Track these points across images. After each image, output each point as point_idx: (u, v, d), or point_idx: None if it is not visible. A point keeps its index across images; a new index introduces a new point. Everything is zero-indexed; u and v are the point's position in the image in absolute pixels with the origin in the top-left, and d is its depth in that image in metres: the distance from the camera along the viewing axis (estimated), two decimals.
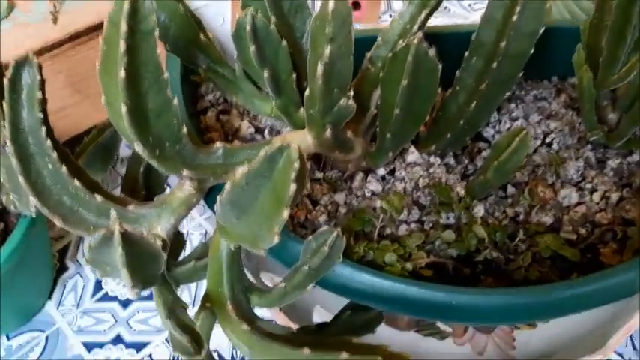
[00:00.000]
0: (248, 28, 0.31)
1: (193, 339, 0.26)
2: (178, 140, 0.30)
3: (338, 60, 0.29)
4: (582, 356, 0.41)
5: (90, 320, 0.54)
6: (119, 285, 0.57)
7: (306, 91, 0.31)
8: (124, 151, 0.68)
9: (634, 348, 0.50)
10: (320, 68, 0.29)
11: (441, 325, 0.46)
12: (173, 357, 0.52)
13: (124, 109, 0.27)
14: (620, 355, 0.49)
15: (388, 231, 0.36)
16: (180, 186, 0.33)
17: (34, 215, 0.41)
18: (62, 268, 0.58)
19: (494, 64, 0.35)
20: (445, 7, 0.86)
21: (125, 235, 0.22)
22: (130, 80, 0.26)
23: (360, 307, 0.36)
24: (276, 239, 0.25)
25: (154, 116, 0.28)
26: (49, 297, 0.56)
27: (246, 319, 0.31)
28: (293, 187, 0.23)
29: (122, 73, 0.26)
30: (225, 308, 0.31)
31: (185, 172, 0.31)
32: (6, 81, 0.30)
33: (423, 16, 0.34)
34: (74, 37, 0.55)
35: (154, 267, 0.27)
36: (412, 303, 0.30)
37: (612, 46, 0.35)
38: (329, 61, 0.29)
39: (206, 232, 0.61)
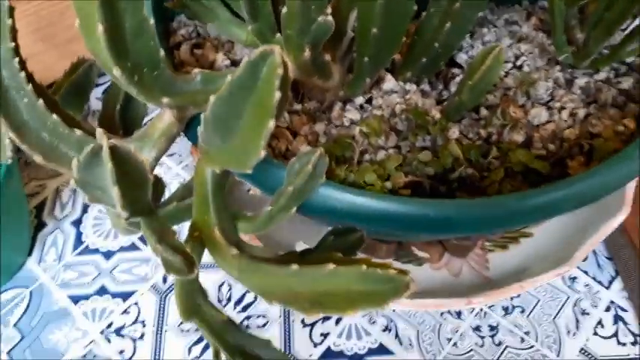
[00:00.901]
0: None
1: (185, 258, 0.27)
2: (156, 65, 0.30)
3: None
4: (551, 270, 0.43)
5: (73, 274, 0.54)
6: (100, 237, 0.57)
7: (283, 10, 0.31)
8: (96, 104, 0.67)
9: (598, 266, 0.53)
10: None
11: (418, 252, 0.48)
12: (160, 305, 0.52)
13: (100, 28, 0.26)
14: (585, 272, 0.52)
15: (367, 157, 0.37)
16: (159, 117, 0.33)
17: (9, 161, 0.40)
18: (40, 225, 0.57)
19: None
20: None
21: (114, 149, 0.22)
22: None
23: (342, 232, 0.37)
24: (262, 154, 0.25)
25: (131, 37, 0.28)
26: (29, 254, 0.55)
27: (234, 244, 0.32)
28: (278, 94, 0.23)
29: None
30: (214, 235, 0.32)
31: (165, 100, 0.31)
32: None
33: None
34: None
35: (142, 191, 0.27)
36: (393, 218, 0.31)
37: None
38: None
39: (184, 180, 0.60)
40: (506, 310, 0.50)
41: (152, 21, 0.28)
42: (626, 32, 0.38)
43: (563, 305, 0.50)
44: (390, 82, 0.40)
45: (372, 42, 0.34)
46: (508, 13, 0.45)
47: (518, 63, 0.42)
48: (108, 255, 0.55)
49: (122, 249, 0.56)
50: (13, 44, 0.30)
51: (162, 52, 0.29)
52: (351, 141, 0.35)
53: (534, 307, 0.50)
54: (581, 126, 0.38)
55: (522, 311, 0.50)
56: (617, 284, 0.51)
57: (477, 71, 0.36)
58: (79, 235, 0.57)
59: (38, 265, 0.55)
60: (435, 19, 0.39)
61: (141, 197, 0.27)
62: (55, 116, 0.32)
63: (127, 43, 0.28)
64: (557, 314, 0.49)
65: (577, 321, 0.49)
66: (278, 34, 0.35)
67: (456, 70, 0.43)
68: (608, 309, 0.50)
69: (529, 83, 0.40)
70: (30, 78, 0.31)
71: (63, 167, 0.33)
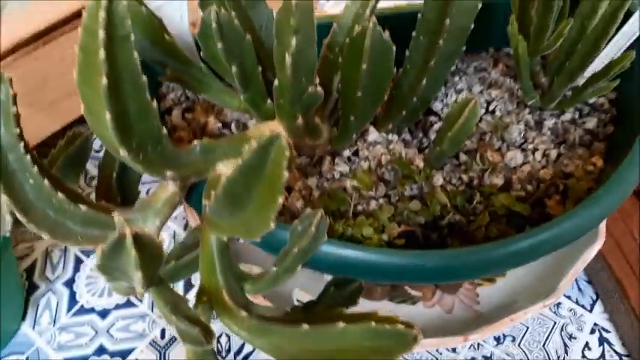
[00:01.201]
0: (214, 25, 0.32)
1: (203, 329, 0.28)
2: (159, 142, 0.31)
3: (304, 50, 0.31)
4: (538, 302, 0.45)
5: (69, 336, 0.54)
6: (94, 296, 0.57)
7: (275, 82, 0.33)
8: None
9: (579, 290, 0.55)
10: (288, 59, 0.31)
11: (411, 291, 0.50)
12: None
13: (108, 116, 0.27)
14: (569, 297, 0.55)
15: (360, 208, 0.39)
16: (162, 187, 0.34)
17: (8, 235, 0.41)
18: (31, 288, 0.57)
19: (441, 41, 0.38)
20: None
21: (136, 237, 0.24)
22: (111, 87, 0.27)
23: (342, 282, 0.38)
24: (272, 226, 0.27)
25: (135, 120, 0.29)
26: (23, 319, 0.55)
27: (242, 306, 0.33)
28: (286, 174, 0.25)
29: (104, 81, 0.27)
30: (222, 298, 0.33)
31: (169, 173, 0.32)
32: None
33: (373, 1, 0.37)
34: (17, 48, 0.53)
35: (157, 267, 0.28)
36: (393, 270, 0.33)
37: (542, 17, 0.39)
38: (295, 51, 0.31)
39: (174, 233, 0.61)
40: (498, 340, 0.52)
41: (155, 103, 0.30)
42: (587, 77, 0.42)
43: (551, 331, 0.52)
44: (373, 134, 0.43)
45: (357, 102, 0.37)
46: (476, 60, 0.49)
47: (490, 108, 0.45)
48: (104, 314, 0.56)
49: (118, 306, 0.56)
50: (18, 130, 0.31)
51: (164, 130, 0.31)
52: (345, 196, 0.37)
53: (524, 335, 0.52)
54: (554, 166, 0.41)
55: (513, 340, 0.52)
56: (599, 307, 0.54)
57: (455, 123, 0.38)
58: (72, 295, 0.57)
59: (33, 329, 0.54)
60: (411, 75, 0.41)
61: (155, 272, 0.29)
62: (60, 195, 0.33)
63: (132, 125, 0.29)
64: (546, 340, 0.51)
65: (565, 346, 0.51)
66: (269, 101, 0.37)
67: (432, 118, 0.46)
68: (592, 331, 0.52)
69: (503, 127, 0.43)
70: (35, 160, 0.32)
71: (70, 242, 0.34)
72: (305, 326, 0.30)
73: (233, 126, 0.43)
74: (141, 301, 0.56)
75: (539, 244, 0.33)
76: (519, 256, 0.33)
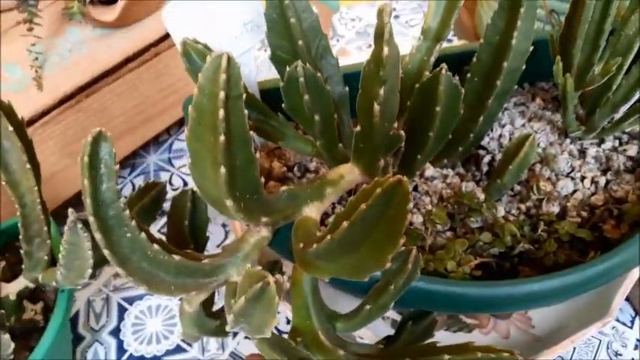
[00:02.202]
0: (301, 79, 0.34)
1: None
2: (257, 191, 0.32)
3: (390, 98, 0.33)
4: (593, 322, 0.47)
5: None
6: (142, 344, 0.56)
7: (357, 128, 0.35)
8: None
9: (619, 309, 0.57)
10: (376, 107, 0.33)
11: (467, 319, 0.51)
12: None
13: (223, 170, 0.29)
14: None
15: (429, 242, 0.41)
16: (250, 232, 0.35)
17: (79, 287, 0.41)
18: (77, 339, 0.57)
19: (498, 82, 0.41)
20: None
21: (277, 283, 0.25)
22: (227, 143, 0.28)
23: (416, 316, 0.39)
24: (388, 265, 0.28)
25: (241, 173, 0.30)
26: None
27: (338, 345, 0.34)
28: (408, 217, 0.26)
29: (222, 138, 0.28)
30: (319, 339, 0.34)
31: (264, 219, 0.34)
32: (85, 158, 0.31)
33: (437, 48, 0.39)
34: (63, 101, 0.54)
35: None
36: (481, 301, 0.35)
37: (589, 55, 0.42)
38: (383, 100, 0.33)
39: None
40: None
41: (257, 155, 0.31)
42: (627, 109, 0.44)
43: (597, 350, 0.54)
44: (429, 170, 0.45)
45: (427, 142, 0.38)
46: (515, 96, 0.51)
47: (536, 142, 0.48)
48: None
49: (168, 352, 0.56)
50: (118, 186, 0.32)
51: (262, 180, 0.32)
52: (421, 231, 0.39)
53: (572, 356, 0.53)
54: (604, 192, 0.44)
55: None
56: (638, 323, 0.56)
57: (515, 157, 0.41)
58: (119, 343, 0.56)
59: None
60: (465, 113, 0.43)
61: None
62: (156, 246, 0.33)
63: (237, 177, 0.30)
64: (594, 358, 0.53)
65: None
66: (340, 144, 0.39)
67: (481, 152, 0.48)
68: (636, 347, 0.54)
69: (551, 158, 0.45)
70: (132, 215, 0.33)
71: (162, 292, 0.34)
72: None
73: (295, 169, 0.45)
74: (190, 346, 0.56)
75: (616, 265, 0.35)
76: (600, 277, 0.35)
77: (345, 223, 0.27)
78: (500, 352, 0.30)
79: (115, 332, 0.57)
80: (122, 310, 0.59)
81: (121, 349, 0.56)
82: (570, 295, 0.36)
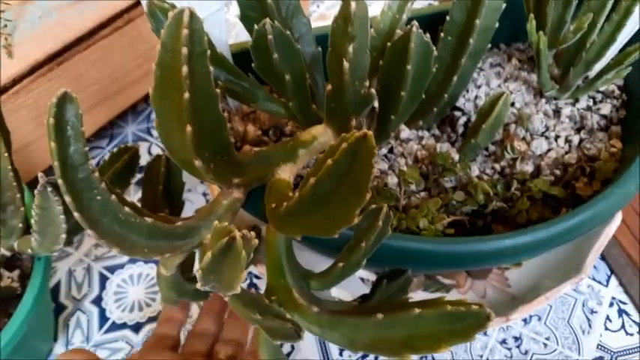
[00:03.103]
0: (270, 37, 0.33)
1: (295, 325, 0.29)
2: (227, 151, 0.32)
3: (359, 55, 0.33)
4: (568, 279, 0.48)
5: (105, 352, 0.54)
6: (124, 312, 0.57)
7: (328, 87, 0.35)
8: None
9: (594, 267, 0.58)
10: (346, 64, 0.32)
11: (444, 280, 0.52)
12: None
13: (189, 129, 0.28)
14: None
15: (403, 202, 0.41)
16: (222, 194, 0.35)
17: (58, 253, 0.41)
18: (58, 309, 0.57)
19: (471, 40, 0.40)
20: None
21: (244, 238, 0.25)
22: (192, 101, 0.28)
23: (391, 274, 0.40)
24: (356, 220, 0.28)
25: (208, 132, 0.30)
26: (55, 339, 0.55)
27: (313, 303, 0.34)
28: (373, 171, 0.26)
29: (186, 95, 0.28)
30: (293, 297, 0.34)
31: (235, 180, 0.33)
32: (51, 120, 0.30)
33: (409, 5, 0.39)
34: (35, 69, 0.53)
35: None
36: (452, 258, 0.35)
37: (561, 14, 0.42)
38: (352, 57, 0.32)
39: None
40: (525, 321, 0.54)
41: (225, 114, 0.31)
42: (601, 67, 0.44)
43: (573, 308, 0.55)
44: (405, 132, 0.45)
45: (399, 102, 0.38)
46: (491, 57, 0.51)
47: (510, 100, 0.48)
48: (136, 328, 0.56)
49: (150, 319, 0.56)
50: (86, 148, 0.32)
51: (231, 139, 0.32)
52: (392, 191, 0.39)
53: (549, 314, 0.55)
54: (577, 150, 0.44)
55: (539, 319, 0.54)
56: (614, 281, 0.57)
57: (488, 116, 0.41)
58: (102, 312, 0.57)
59: (66, 349, 0.54)
60: (440, 73, 0.43)
61: None
62: (127, 208, 0.33)
63: (205, 136, 0.30)
64: (569, 317, 0.54)
65: (588, 320, 0.54)
66: (313, 106, 0.39)
67: (457, 113, 0.48)
68: (611, 304, 0.55)
69: (526, 118, 0.45)
70: (102, 179, 0.32)
71: (135, 254, 0.34)
72: (379, 315, 0.32)
73: (271, 133, 0.44)
74: None
75: (588, 219, 0.35)
76: (570, 232, 0.35)
77: (312, 179, 0.27)
78: (469, 305, 0.31)
79: (97, 301, 0.58)
80: (104, 279, 0.59)
81: (103, 317, 0.56)
82: (541, 250, 0.37)
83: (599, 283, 0.57)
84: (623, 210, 0.62)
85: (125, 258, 0.60)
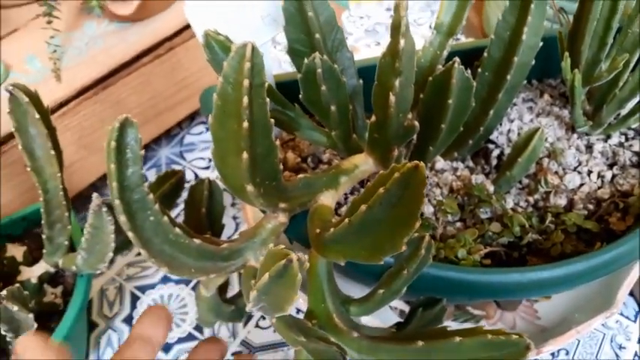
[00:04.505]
0: (319, 71, 0.35)
1: (339, 348, 0.30)
2: (276, 177, 0.34)
3: (404, 89, 0.34)
4: (599, 314, 0.48)
5: None
6: None
7: (372, 118, 0.36)
8: None
9: (623, 303, 0.58)
10: (392, 98, 0.34)
11: (473, 311, 0.52)
12: None
13: (245, 156, 0.30)
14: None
15: (439, 232, 0.42)
16: (268, 218, 0.37)
17: (99, 272, 0.42)
18: (90, 326, 0.58)
19: (508, 76, 0.42)
20: None
21: (300, 262, 0.26)
22: (250, 130, 0.29)
23: (427, 303, 0.41)
24: (404, 248, 0.29)
25: (261, 159, 0.32)
26: (87, 357, 0.56)
27: (352, 328, 0.35)
28: (425, 201, 0.27)
29: (245, 124, 0.29)
30: (333, 321, 0.35)
31: (282, 205, 0.35)
32: (112, 143, 0.32)
33: (450, 42, 0.40)
34: (81, 93, 0.55)
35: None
36: (491, 288, 0.36)
37: (595, 52, 0.43)
38: (398, 91, 0.34)
39: None
40: (553, 355, 0.54)
41: (278, 142, 0.32)
42: (633, 105, 0.46)
43: (601, 343, 0.55)
44: (440, 162, 0.46)
45: (439, 134, 0.40)
46: (524, 92, 0.52)
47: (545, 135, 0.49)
48: (167, 348, 0.56)
49: (180, 340, 0.57)
50: (143, 171, 0.33)
51: (281, 166, 0.33)
52: (432, 221, 0.40)
53: (577, 348, 0.54)
54: (610, 186, 0.45)
55: (567, 353, 0.54)
56: None
57: (524, 150, 0.42)
58: None
59: None
60: (476, 107, 0.45)
61: None
62: (177, 229, 0.35)
63: (258, 163, 0.32)
64: (598, 352, 0.54)
65: (617, 355, 0.54)
66: (354, 136, 0.40)
67: (490, 146, 0.49)
68: (639, 340, 0.55)
69: (559, 152, 0.46)
70: (155, 200, 0.34)
71: (183, 274, 0.36)
72: (420, 342, 0.32)
73: (309, 160, 0.46)
74: (202, 334, 0.57)
75: (623, 253, 0.36)
76: (607, 266, 0.36)
77: (363, 207, 0.28)
78: (509, 334, 0.31)
79: (128, 320, 0.59)
80: (135, 299, 0.60)
81: None
82: (577, 283, 0.37)
83: (628, 318, 0.57)
84: None
85: (156, 278, 0.61)
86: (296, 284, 0.26)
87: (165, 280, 0.61)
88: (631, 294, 0.59)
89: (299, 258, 0.26)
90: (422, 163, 0.27)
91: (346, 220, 0.30)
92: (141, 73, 0.61)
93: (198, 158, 0.73)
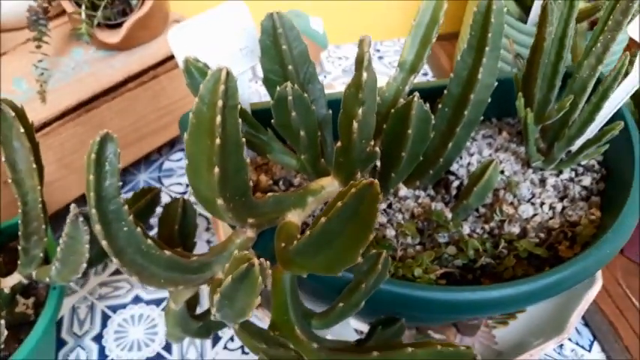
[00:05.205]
0: (290, 98, 0.38)
1: (297, 353, 0.32)
2: (245, 194, 0.36)
3: (367, 118, 0.37)
4: (552, 338, 0.50)
5: None
6: (124, 350, 0.58)
7: (338, 143, 0.39)
8: None
9: (578, 332, 0.61)
10: (355, 125, 0.37)
11: (434, 335, 0.54)
12: None
13: (216, 170, 0.32)
14: (569, 339, 0.60)
15: (400, 253, 0.44)
16: (237, 233, 0.39)
17: (72, 284, 0.44)
18: (60, 344, 0.58)
19: (466, 112, 0.45)
20: None
21: (261, 266, 0.28)
22: (222, 147, 0.32)
23: (386, 322, 0.43)
24: (359, 260, 0.31)
25: (232, 175, 0.34)
26: None
27: (313, 339, 0.37)
28: (377, 214, 0.30)
29: (218, 141, 0.32)
30: (295, 333, 0.37)
31: (250, 220, 0.37)
32: (93, 155, 0.34)
33: (412, 79, 0.44)
34: (64, 114, 0.58)
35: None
36: (444, 305, 0.38)
37: (546, 93, 0.47)
38: (361, 119, 0.37)
39: None
40: None
41: (248, 160, 0.35)
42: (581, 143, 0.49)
43: None
44: (403, 190, 0.49)
45: (400, 162, 0.43)
46: (484, 129, 0.56)
47: (500, 168, 0.52)
48: None
49: (148, 359, 0.58)
50: (120, 183, 0.35)
51: (251, 183, 0.36)
52: (391, 242, 0.42)
53: None
54: (560, 216, 0.48)
55: None
56: (597, 346, 0.59)
57: (479, 180, 0.45)
58: (101, 349, 0.58)
59: None
60: (436, 140, 0.48)
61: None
62: (149, 241, 0.37)
63: (228, 179, 0.34)
64: None
65: None
66: (322, 160, 0.43)
67: (451, 177, 0.52)
68: None
69: (514, 185, 0.50)
70: (130, 212, 0.36)
71: (153, 284, 0.37)
72: (375, 353, 0.34)
73: (281, 183, 0.48)
74: (170, 353, 0.58)
75: (566, 277, 0.38)
76: (551, 288, 0.39)
77: (322, 219, 0.31)
78: (457, 346, 0.34)
79: (98, 338, 0.59)
80: (105, 318, 0.61)
81: (102, 354, 0.58)
82: (525, 303, 0.40)
83: (583, 348, 0.59)
84: (605, 279, 0.65)
85: (128, 298, 0.62)
86: (257, 288, 0.28)
87: (136, 300, 0.62)
88: (587, 324, 0.61)
89: (261, 263, 0.28)
90: (376, 181, 0.30)
91: (307, 232, 0.32)
92: (125, 98, 0.63)
93: (175, 183, 0.75)
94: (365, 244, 0.31)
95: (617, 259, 0.69)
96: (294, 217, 0.39)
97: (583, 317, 0.61)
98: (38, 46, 0.58)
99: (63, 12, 0.63)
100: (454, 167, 0.53)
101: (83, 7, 0.57)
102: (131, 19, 0.60)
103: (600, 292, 0.62)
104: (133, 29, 0.61)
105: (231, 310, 0.30)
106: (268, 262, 0.30)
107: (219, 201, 0.34)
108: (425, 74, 0.95)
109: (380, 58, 0.99)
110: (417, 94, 0.40)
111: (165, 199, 0.73)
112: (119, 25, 0.61)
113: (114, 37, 0.61)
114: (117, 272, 0.65)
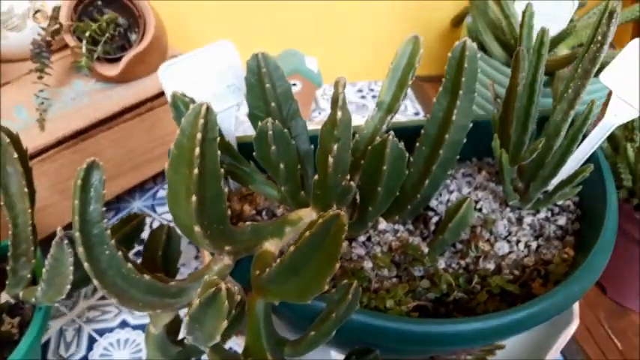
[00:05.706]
0: (270, 132, 0.40)
1: None
2: (223, 222, 0.38)
3: (342, 153, 0.39)
4: None
5: None
6: None
7: (315, 177, 0.41)
8: None
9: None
10: (330, 160, 0.39)
11: None
12: None
13: (194, 199, 0.34)
14: None
15: (376, 285, 0.45)
16: (215, 260, 0.40)
17: (61, 307, 0.45)
18: None
19: (441, 151, 0.47)
20: (363, 105, 1.01)
21: (228, 291, 0.29)
22: (200, 177, 0.34)
23: (361, 352, 0.44)
24: (325, 288, 0.33)
25: (210, 204, 0.36)
26: None
27: None
28: (343, 245, 0.31)
29: (196, 171, 0.34)
30: (266, 358, 0.38)
31: (227, 248, 0.39)
32: (79, 181, 0.36)
33: (389, 118, 0.46)
34: (61, 142, 0.60)
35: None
36: (413, 336, 0.39)
37: (520, 135, 0.49)
38: (336, 154, 0.39)
39: None
40: None
41: (226, 189, 0.37)
42: (555, 184, 0.51)
43: None
44: (382, 224, 0.50)
45: (376, 196, 0.44)
46: (464, 167, 0.58)
47: (478, 206, 0.54)
48: None
49: None
50: (104, 209, 0.37)
51: (229, 212, 0.38)
52: (368, 274, 0.44)
53: None
54: (535, 255, 0.49)
55: None
56: None
57: (454, 216, 0.47)
58: None
59: None
60: (414, 177, 0.50)
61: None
62: (129, 265, 0.38)
63: (206, 207, 0.36)
64: None
65: None
66: (302, 192, 0.45)
67: (430, 213, 0.54)
68: None
69: (491, 222, 0.51)
70: (112, 236, 0.37)
71: (132, 307, 0.39)
72: None
73: (264, 213, 0.50)
74: None
75: (535, 313, 0.40)
76: (520, 323, 0.40)
77: (292, 247, 0.32)
78: None
79: None
80: (92, 341, 0.62)
81: None
82: (494, 337, 0.41)
83: None
84: (588, 320, 0.66)
85: (115, 322, 0.63)
86: (223, 312, 0.30)
87: (123, 324, 0.63)
88: (563, 355, 0.62)
89: (228, 288, 0.30)
90: (342, 212, 0.32)
91: (278, 260, 0.34)
92: (121, 129, 0.66)
93: (168, 212, 0.77)
94: (331, 272, 0.32)
95: (601, 301, 0.69)
96: (272, 246, 0.41)
97: (563, 355, 0.62)
98: (40, 77, 0.61)
99: (65, 46, 0.66)
100: (433, 203, 0.54)
101: (84, 41, 0.60)
102: (130, 54, 0.63)
103: (583, 333, 0.63)
104: (131, 63, 0.64)
105: (202, 333, 0.32)
106: (237, 288, 0.31)
107: (197, 228, 0.36)
108: (416, 113, 0.98)
109: (374, 97, 1.02)
110: (392, 132, 0.42)
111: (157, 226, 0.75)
112: (118, 60, 0.64)
113: (113, 70, 0.64)
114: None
